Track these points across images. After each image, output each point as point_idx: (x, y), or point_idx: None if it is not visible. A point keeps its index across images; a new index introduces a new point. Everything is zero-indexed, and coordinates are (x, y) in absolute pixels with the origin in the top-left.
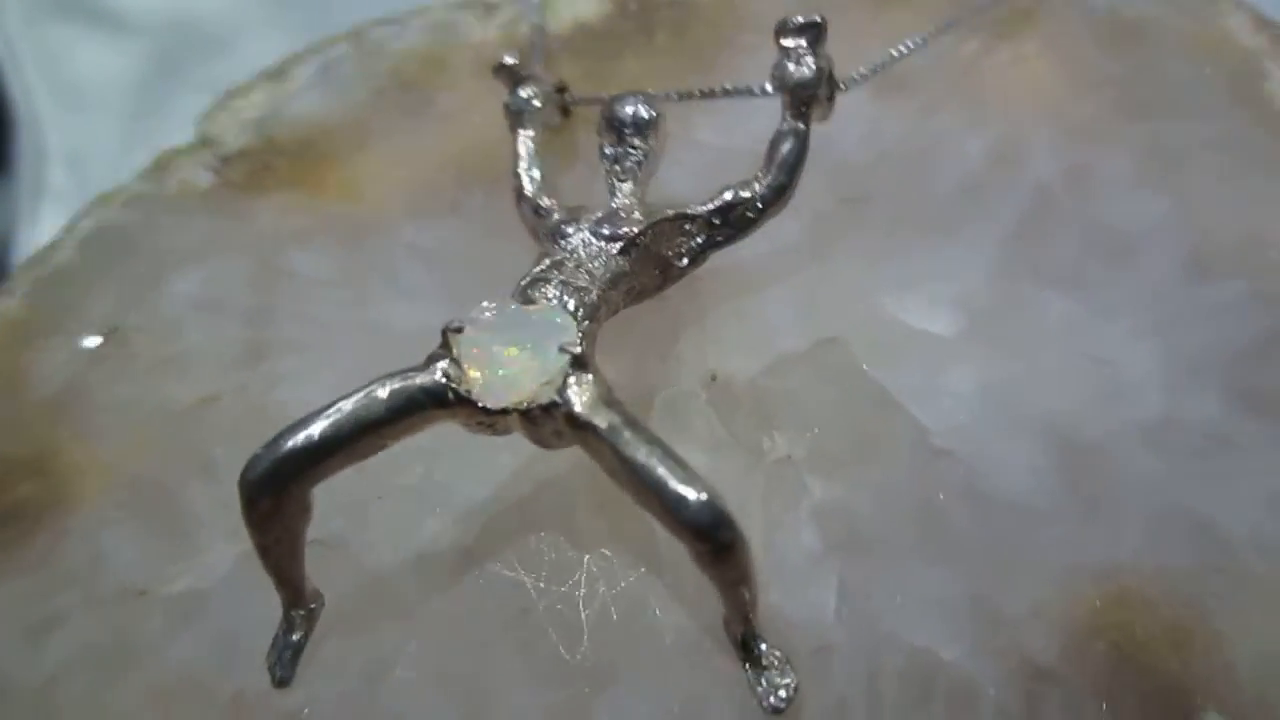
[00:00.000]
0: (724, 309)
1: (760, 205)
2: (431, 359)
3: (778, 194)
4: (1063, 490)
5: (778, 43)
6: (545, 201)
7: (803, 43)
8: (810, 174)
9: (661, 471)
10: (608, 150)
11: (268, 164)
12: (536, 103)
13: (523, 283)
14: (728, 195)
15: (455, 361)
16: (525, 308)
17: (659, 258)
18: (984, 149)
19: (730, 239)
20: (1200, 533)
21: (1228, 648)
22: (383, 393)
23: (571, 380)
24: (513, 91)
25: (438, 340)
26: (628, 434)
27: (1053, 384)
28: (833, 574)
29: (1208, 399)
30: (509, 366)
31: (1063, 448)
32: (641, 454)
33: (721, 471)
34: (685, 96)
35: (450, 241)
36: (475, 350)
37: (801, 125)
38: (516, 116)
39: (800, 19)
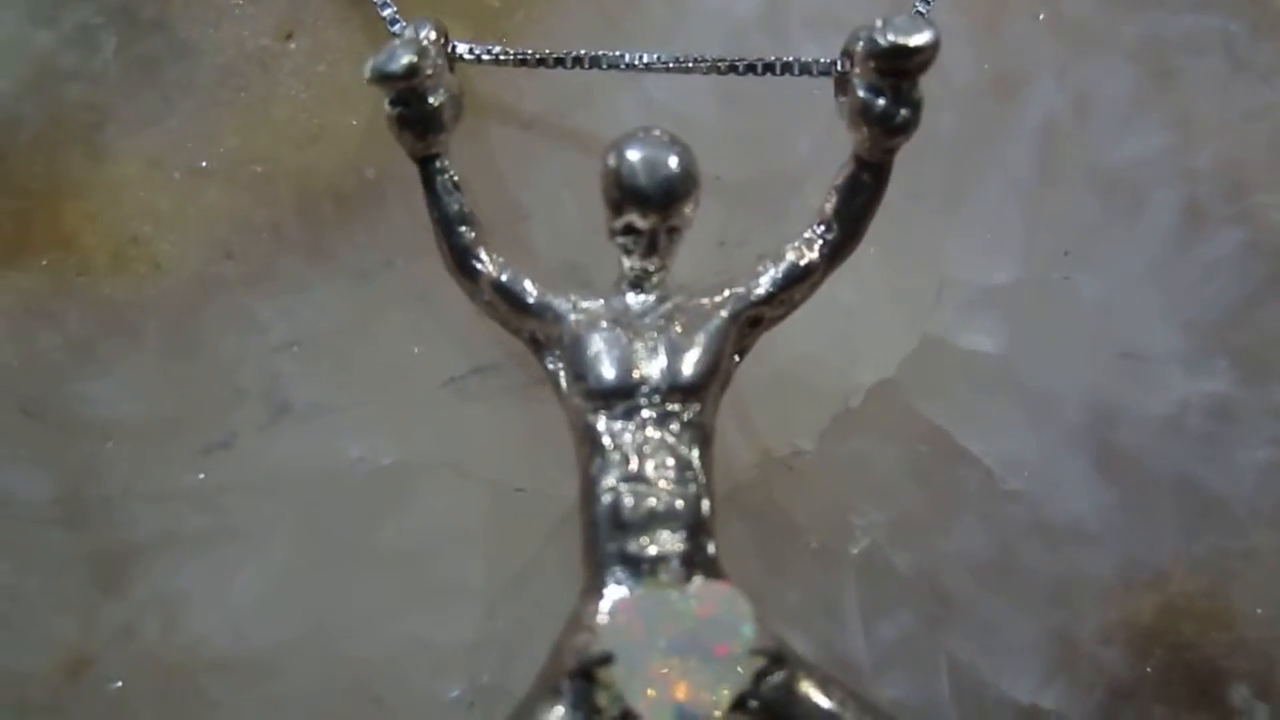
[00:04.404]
0: (759, 375)
1: (825, 269)
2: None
3: (843, 252)
4: (1112, 504)
5: (870, 66)
6: (531, 292)
7: (907, 77)
8: None
9: None
10: (634, 226)
11: None
12: (448, 115)
13: (616, 510)
14: (787, 264)
15: (608, 690)
16: (677, 599)
17: (723, 371)
18: (983, 72)
19: (784, 315)
20: (1215, 511)
21: (1244, 622)
22: None
23: (770, 678)
24: (407, 102)
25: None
26: None
27: (1091, 388)
28: (939, 653)
29: (1217, 371)
30: (686, 682)
31: (1106, 458)
32: None
33: (804, 565)
34: (716, 69)
35: (327, 315)
36: (639, 681)
37: (885, 171)
38: (419, 140)
39: (907, 40)
